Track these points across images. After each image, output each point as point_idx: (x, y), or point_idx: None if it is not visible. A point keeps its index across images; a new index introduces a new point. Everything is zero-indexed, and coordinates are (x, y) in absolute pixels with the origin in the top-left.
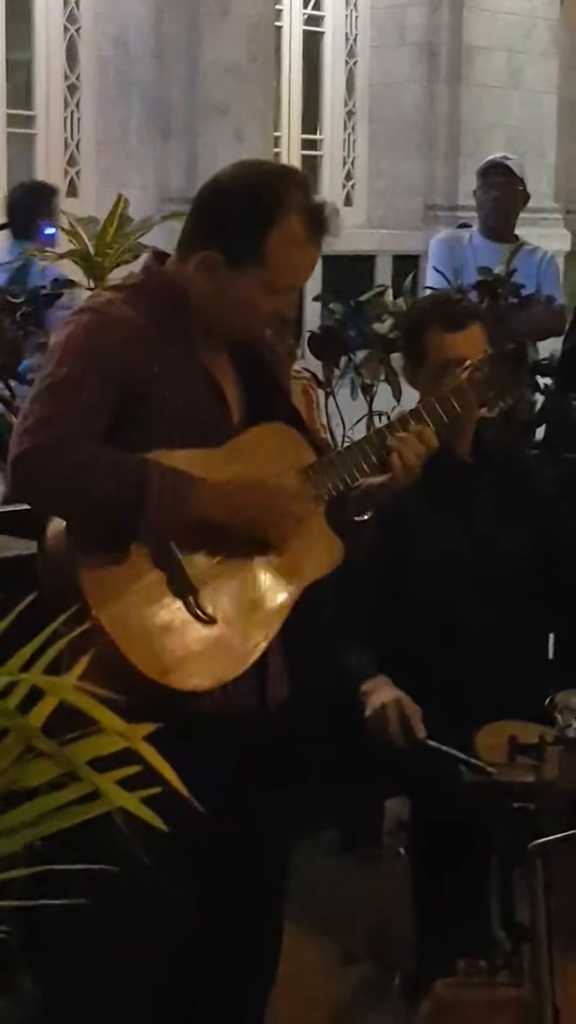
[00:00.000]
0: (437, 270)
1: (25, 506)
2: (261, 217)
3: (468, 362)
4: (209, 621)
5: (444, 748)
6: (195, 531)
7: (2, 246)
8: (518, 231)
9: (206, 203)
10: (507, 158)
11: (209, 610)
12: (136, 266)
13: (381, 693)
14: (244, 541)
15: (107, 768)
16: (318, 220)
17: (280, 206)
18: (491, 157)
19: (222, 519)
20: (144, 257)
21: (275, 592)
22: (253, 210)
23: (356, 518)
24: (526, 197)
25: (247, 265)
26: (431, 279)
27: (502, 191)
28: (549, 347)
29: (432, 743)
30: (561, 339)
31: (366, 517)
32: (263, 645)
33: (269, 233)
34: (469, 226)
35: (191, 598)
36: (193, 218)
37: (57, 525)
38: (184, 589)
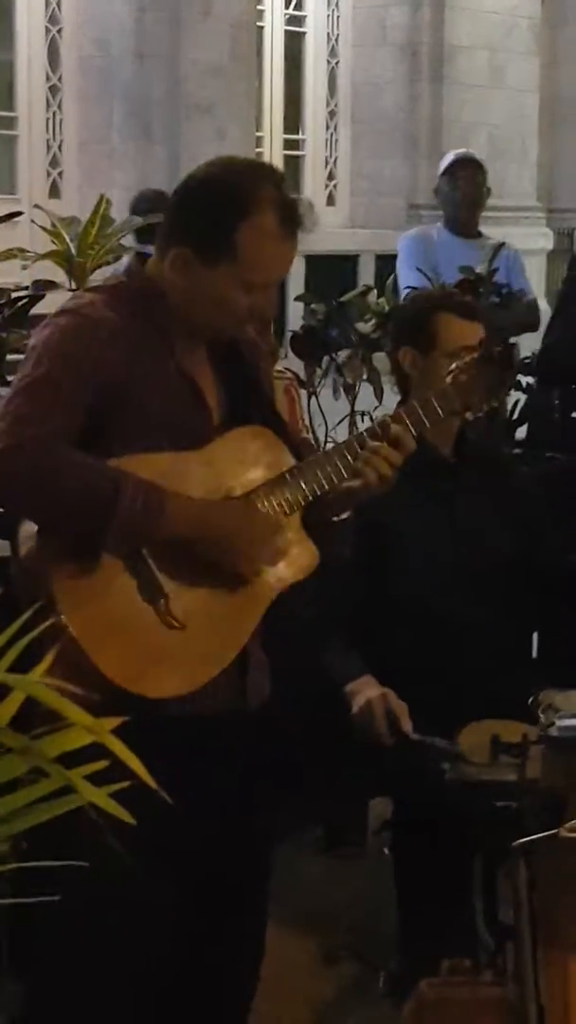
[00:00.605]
0: (419, 269)
1: None
2: (232, 212)
3: (453, 365)
4: (179, 627)
5: (430, 740)
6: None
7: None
8: (502, 229)
9: (179, 201)
10: (470, 152)
11: (180, 615)
12: (119, 267)
13: (367, 690)
14: (212, 562)
15: (81, 763)
16: (290, 215)
17: (251, 201)
18: (456, 152)
19: (192, 538)
20: (126, 258)
21: (248, 598)
22: (223, 205)
23: (333, 518)
24: (488, 191)
25: (220, 261)
26: (408, 278)
27: (470, 186)
28: (531, 346)
29: (418, 737)
30: (535, 334)
31: (343, 517)
32: (233, 652)
33: (240, 228)
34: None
35: (162, 603)
36: (168, 216)
37: (30, 527)
38: (155, 595)
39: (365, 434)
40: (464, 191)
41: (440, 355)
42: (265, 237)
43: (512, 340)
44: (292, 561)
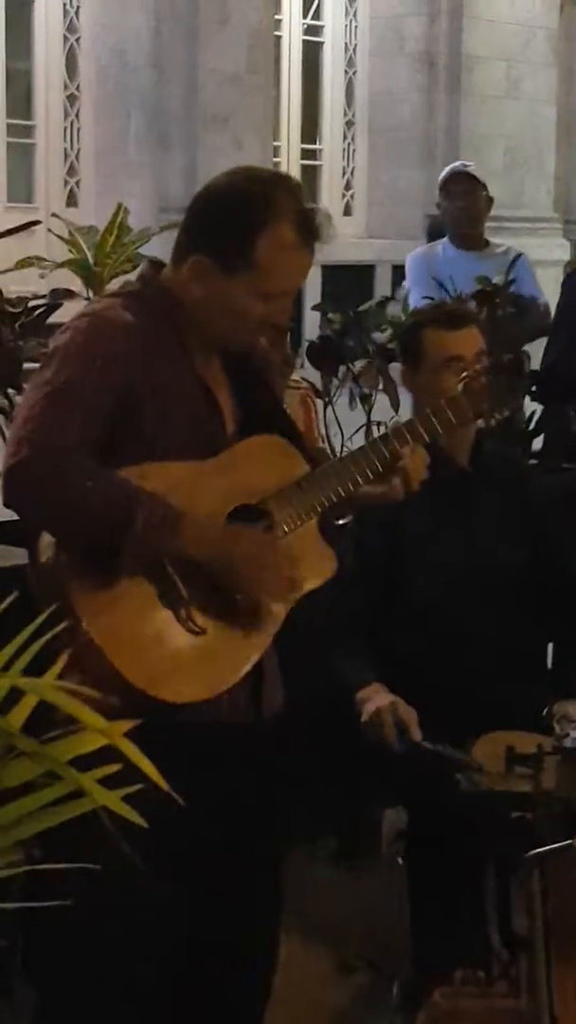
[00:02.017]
0: (437, 281)
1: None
2: (251, 222)
3: (464, 373)
4: (200, 633)
5: (440, 749)
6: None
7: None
8: (518, 240)
9: (198, 210)
10: (465, 165)
11: (200, 622)
12: (135, 276)
13: (376, 699)
14: (221, 585)
15: (96, 768)
16: (309, 225)
17: (270, 211)
18: (451, 166)
19: (203, 560)
20: (141, 266)
21: (268, 603)
22: (243, 215)
23: (336, 522)
24: (490, 201)
25: (238, 270)
26: (414, 297)
27: (467, 199)
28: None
29: (428, 745)
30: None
31: (346, 521)
32: (255, 656)
33: (259, 238)
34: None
35: (182, 610)
36: (186, 225)
37: (49, 536)
38: (175, 601)
39: (380, 442)
40: (459, 205)
41: (428, 369)
42: (283, 247)
43: (526, 348)
44: (310, 567)
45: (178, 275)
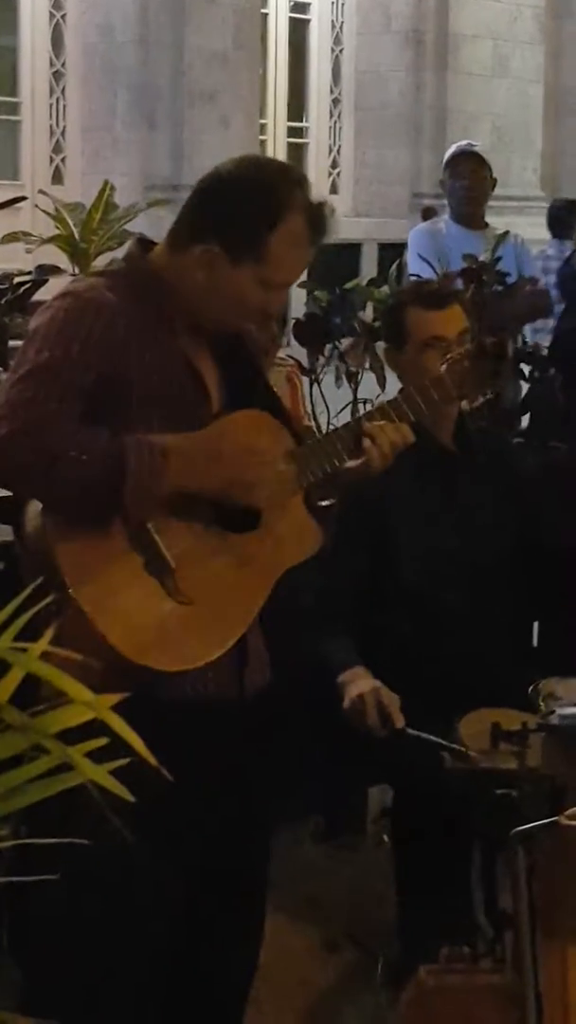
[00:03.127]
0: (422, 257)
1: (4, 492)
2: (268, 216)
3: (448, 355)
4: (186, 603)
5: (424, 735)
6: (174, 508)
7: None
8: (504, 219)
9: (209, 198)
10: (472, 145)
11: (186, 592)
12: (121, 252)
13: (359, 683)
14: (222, 504)
15: (82, 740)
16: (318, 221)
17: (285, 206)
18: (457, 145)
19: (200, 483)
20: (128, 244)
21: (254, 576)
22: (257, 209)
23: (320, 503)
24: (494, 182)
25: (248, 261)
26: (415, 267)
27: (472, 179)
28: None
29: (412, 731)
30: (545, 321)
31: (330, 502)
32: (241, 628)
33: (274, 232)
34: (435, 210)
35: (168, 579)
36: (193, 211)
37: (34, 508)
38: (161, 570)
39: (364, 418)
40: (465, 184)
41: (412, 348)
42: (294, 241)
43: (522, 326)
44: (296, 541)
45: (177, 259)
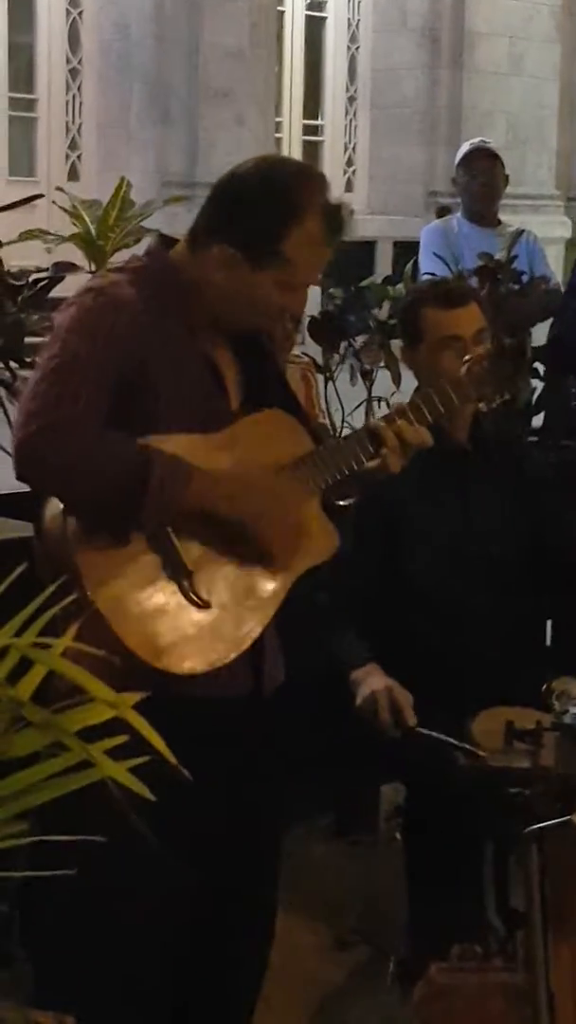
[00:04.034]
0: (438, 255)
1: (24, 488)
2: (282, 216)
3: (467, 356)
4: (204, 605)
5: (436, 735)
6: (192, 516)
7: None
8: (519, 217)
9: (227, 197)
10: (485, 142)
11: (204, 594)
12: (138, 250)
13: (371, 681)
14: (236, 535)
15: (100, 738)
16: (336, 221)
17: (303, 207)
18: (471, 142)
19: (219, 510)
20: (147, 240)
21: (270, 578)
22: (277, 209)
23: (338, 502)
24: (506, 180)
25: (265, 263)
26: (428, 265)
27: (487, 176)
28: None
29: (424, 731)
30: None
31: (349, 502)
32: (257, 630)
33: (290, 233)
34: (449, 209)
35: (186, 582)
36: (211, 211)
37: (54, 507)
38: (179, 573)
39: (383, 420)
40: (480, 182)
41: (427, 348)
42: (312, 243)
43: (533, 327)
44: (313, 543)
45: (196, 258)
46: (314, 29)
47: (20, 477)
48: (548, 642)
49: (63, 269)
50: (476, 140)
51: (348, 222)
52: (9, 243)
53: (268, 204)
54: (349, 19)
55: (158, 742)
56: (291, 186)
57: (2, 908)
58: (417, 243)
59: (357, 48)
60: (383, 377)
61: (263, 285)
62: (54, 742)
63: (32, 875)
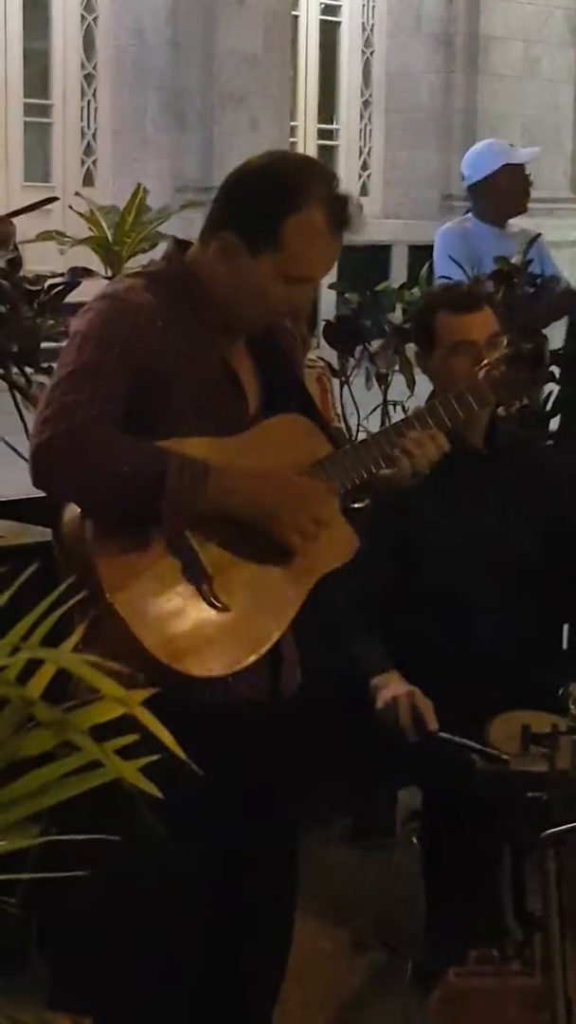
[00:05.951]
0: (453, 259)
1: (41, 493)
2: (281, 203)
3: (485, 361)
4: (223, 609)
5: (457, 739)
6: (211, 518)
7: None
8: (534, 220)
9: (230, 188)
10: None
11: (223, 598)
12: (154, 255)
13: (392, 687)
14: (257, 534)
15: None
16: (339, 213)
17: (301, 194)
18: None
19: (237, 509)
20: (164, 245)
21: (289, 581)
22: (273, 196)
23: (353, 505)
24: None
25: (264, 251)
26: (443, 268)
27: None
28: (563, 335)
29: (444, 735)
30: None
31: (363, 505)
32: (276, 634)
33: (288, 219)
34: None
35: (205, 585)
36: (217, 203)
37: (73, 511)
38: (198, 576)
39: (402, 425)
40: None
41: (440, 352)
42: (311, 232)
43: (547, 327)
44: (333, 546)
45: (204, 254)
46: (329, 34)
47: (37, 484)
48: (564, 646)
49: (78, 274)
50: (489, 141)
51: (356, 216)
52: (25, 241)
53: (267, 188)
54: (363, 23)
55: (167, 737)
56: (292, 172)
57: (18, 911)
58: (432, 247)
59: (372, 52)
60: (398, 381)
61: (265, 276)
62: (65, 742)
63: (49, 876)
